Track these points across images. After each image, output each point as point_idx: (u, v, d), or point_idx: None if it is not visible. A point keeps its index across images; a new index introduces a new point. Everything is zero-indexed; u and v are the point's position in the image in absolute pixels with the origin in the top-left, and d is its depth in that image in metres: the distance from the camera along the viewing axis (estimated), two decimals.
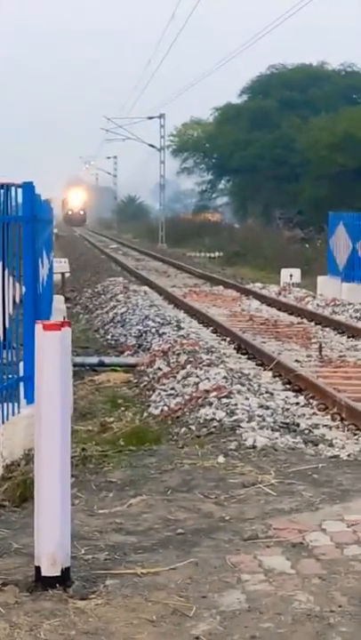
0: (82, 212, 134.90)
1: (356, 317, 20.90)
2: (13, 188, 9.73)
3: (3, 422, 8.87)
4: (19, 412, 9.14)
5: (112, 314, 22.09)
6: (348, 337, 18.22)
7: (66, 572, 5.42)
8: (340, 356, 16.10)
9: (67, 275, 27.70)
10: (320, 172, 55.35)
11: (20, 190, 9.87)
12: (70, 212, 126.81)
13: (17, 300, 9.61)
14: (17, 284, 9.60)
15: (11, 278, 9.37)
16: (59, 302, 18.26)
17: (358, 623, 4.96)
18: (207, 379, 12.18)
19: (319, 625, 4.95)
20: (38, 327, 5.80)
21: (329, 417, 10.93)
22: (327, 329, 19.37)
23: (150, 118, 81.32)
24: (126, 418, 10.64)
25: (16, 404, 9.24)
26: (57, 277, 22.50)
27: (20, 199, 9.88)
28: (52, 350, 5.63)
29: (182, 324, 19.10)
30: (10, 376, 9.44)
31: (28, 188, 10.04)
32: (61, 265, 25.33)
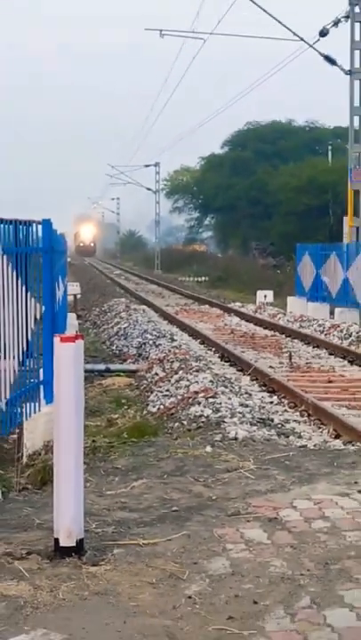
0: (92, 244, 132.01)
1: (319, 331, 20.91)
2: (34, 224, 9.78)
3: (26, 419, 8.89)
4: (39, 411, 9.16)
5: (116, 328, 22.10)
6: (313, 347, 18.25)
7: (80, 543, 5.48)
8: (307, 363, 16.11)
9: (78, 296, 27.69)
10: (288, 211, 55.50)
11: (39, 226, 9.92)
12: (82, 244, 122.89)
13: (37, 317, 9.65)
14: (37, 304, 9.65)
15: (32, 299, 9.40)
16: (72, 319, 18.29)
17: (323, 584, 5.00)
18: (196, 382, 12.19)
19: (291, 586, 4.99)
20: (56, 339, 5.85)
21: (298, 413, 10.95)
22: (296, 340, 19.37)
23: (147, 166, 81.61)
24: (129, 415, 10.66)
25: (37, 404, 9.28)
26: (70, 298, 22.51)
27: (39, 233, 9.91)
28: (67, 358, 5.68)
29: (175, 337, 19.12)
30: (32, 380, 9.48)
31: (46, 224, 10.11)
32: (74, 288, 25.28)
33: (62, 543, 5.44)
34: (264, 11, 26.64)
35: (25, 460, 8.37)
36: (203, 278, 54.88)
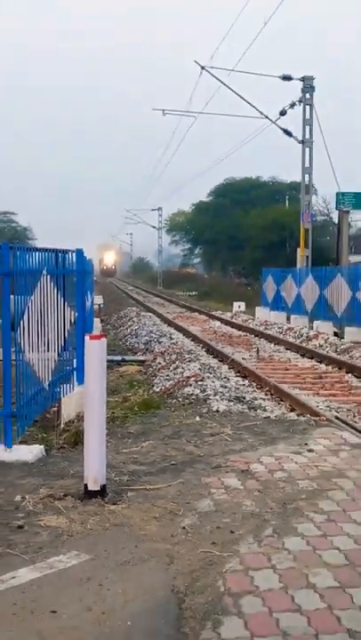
0: (113, 267, 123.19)
1: (279, 332, 20.85)
2: (70, 253, 9.82)
3: (63, 396, 8.90)
4: (73, 390, 9.19)
5: (129, 329, 22.11)
6: (275, 344, 18.22)
7: (103, 487, 5.51)
8: (270, 356, 16.10)
9: (102, 305, 27.70)
10: (256, 244, 55.67)
11: (74, 254, 9.96)
12: (105, 267, 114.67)
13: (72, 320, 9.68)
14: (72, 311, 9.68)
15: (68, 307, 9.43)
16: (97, 323, 18.26)
17: (282, 519, 5.02)
18: (188, 369, 12.19)
19: (258, 520, 5.02)
20: (87, 338, 5.89)
21: (263, 393, 10.93)
22: (262, 339, 19.36)
23: (153, 210, 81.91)
24: (139, 393, 10.67)
25: (71, 385, 9.30)
26: (96, 307, 22.50)
27: (74, 259, 9.94)
28: (95, 352, 5.70)
29: (173, 336, 19.10)
30: (67, 367, 9.50)
31: (79, 252, 10.16)
32: (98, 299, 25.24)
33: (90, 488, 5.47)
34: (241, 97, 26.66)
35: (62, 426, 8.39)
36: (193, 293, 54.94)
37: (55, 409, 8.82)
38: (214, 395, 10.06)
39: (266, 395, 10.89)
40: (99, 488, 5.46)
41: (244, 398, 10.26)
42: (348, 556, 4.34)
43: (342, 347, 16.90)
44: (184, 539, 4.65)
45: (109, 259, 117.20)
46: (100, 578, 4.07)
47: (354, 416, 9.12)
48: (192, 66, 26.48)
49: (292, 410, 9.59)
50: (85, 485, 5.49)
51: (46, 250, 8.89)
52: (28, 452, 6.66)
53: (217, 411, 9.09)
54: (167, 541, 4.61)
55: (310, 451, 6.93)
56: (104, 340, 5.98)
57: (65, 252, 9.73)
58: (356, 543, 4.55)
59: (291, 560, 4.30)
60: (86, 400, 5.74)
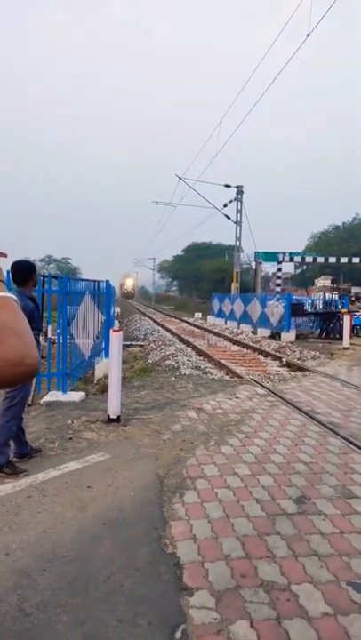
0: (133, 291, 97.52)
1: (220, 330, 20.71)
2: (102, 283, 9.78)
3: (96, 364, 8.84)
4: (101, 360, 9.12)
5: (135, 327, 21.96)
6: (217, 337, 18.19)
7: (118, 417, 5.47)
8: (215, 344, 16.06)
9: (118, 313, 27.57)
10: (209, 280, 55.27)
11: (103, 283, 9.91)
12: (126, 291, 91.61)
13: (102, 321, 9.62)
14: (102, 315, 9.62)
15: (100, 313, 9.37)
16: (116, 322, 18.14)
17: (220, 436, 5.01)
18: (168, 350, 12.17)
19: (206, 436, 5.01)
20: (111, 331, 5.85)
21: (211, 364, 10.92)
22: (210, 334, 19.36)
23: (149, 259, 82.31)
24: (140, 363, 10.62)
25: (101, 358, 9.23)
26: (115, 313, 22.37)
27: (104, 285, 9.90)
28: (116, 339, 5.67)
29: (160, 331, 19.02)
30: (99, 348, 9.44)
31: (107, 282, 10.13)
32: (116, 309, 25.10)
33: (111, 416, 5.44)
34: (201, 196, 26.80)
35: (95, 381, 8.33)
36: (172, 307, 54.79)
37: (91, 371, 8.78)
38: (183, 365, 10.05)
39: (213, 365, 10.90)
40: (116, 417, 5.44)
41: (201, 367, 10.25)
42: (257, 457, 4.36)
43: (256, 339, 16.96)
44: (164, 446, 4.64)
45: (129, 284, 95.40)
46: (116, 468, 4.06)
47: (262, 379, 9.18)
48: (173, 177, 26.48)
49: (228, 374, 9.60)
50: (108, 415, 5.47)
51: (88, 280, 8.86)
52: (76, 396, 6.63)
53: (184, 374, 9.07)
54: (154, 448, 4.60)
55: (237, 397, 6.94)
56: (121, 332, 5.98)
57: (99, 281, 9.70)
58: (261, 450, 4.57)
59: (224, 459, 4.31)
60: (110, 366, 5.71)
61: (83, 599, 2.34)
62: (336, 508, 3.35)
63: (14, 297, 1.08)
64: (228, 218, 27.22)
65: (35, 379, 6.79)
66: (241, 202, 27.06)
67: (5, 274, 1.15)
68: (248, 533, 2.97)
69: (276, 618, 2.20)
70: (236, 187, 26.91)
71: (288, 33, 12.53)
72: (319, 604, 2.29)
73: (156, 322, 25.52)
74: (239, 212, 27.12)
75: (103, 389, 7.57)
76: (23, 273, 4.08)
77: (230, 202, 27.19)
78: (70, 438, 4.85)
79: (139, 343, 15.26)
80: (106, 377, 8.35)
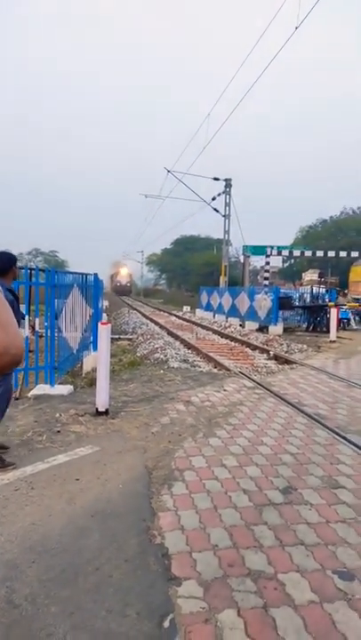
0: (128, 284, 77.15)
1: (208, 323, 20.72)
2: (90, 276, 9.70)
3: (84, 358, 8.80)
4: (89, 354, 9.08)
5: (123, 320, 21.84)
6: (206, 330, 18.20)
7: (107, 410, 5.46)
8: (203, 337, 16.07)
9: (107, 306, 27.43)
10: (197, 273, 55.25)
11: (92, 276, 9.84)
12: (119, 284, 72.38)
13: (90, 314, 9.57)
14: (90, 308, 9.56)
15: (88, 306, 9.31)
16: (104, 316, 18.06)
17: (208, 428, 5.03)
18: (157, 343, 12.16)
19: (195, 429, 5.03)
20: (100, 324, 5.83)
21: (199, 357, 10.94)
22: (199, 327, 19.36)
23: (138, 252, 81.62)
24: (128, 356, 10.58)
25: (89, 352, 9.18)
26: (104, 307, 22.28)
27: (91, 279, 9.83)
28: (104, 332, 5.66)
29: (149, 325, 18.98)
30: (87, 341, 9.39)
31: (95, 275, 10.02)
32: (104, 302, 25.00)
33: (99, 409, 5.43)
34: (190, 189, 26.64)
35: (83, 374, 8.29)
36: (160, 300, 54.55)
37: (79, 365, 8.73)
38: (171, 358, 10.05)
39: (201, 358, 10.92)
40: (104, 410, 5.43)
41: (189, 360, 10.26)
42: (245, 449, 4.40)
43: (244, 332, 17.02)
44: (153, 438, 4.65)
45: (124, 275, 72.00)
46: (105, 460, 4.06)
47: (249, 371, 9.21)
48: (162, 170, 26.34)
49: (216, 367, 9.62)
50: (97, 408, 5.45)
51: (76, 273, 8.79)
52: (64, 389, 6.60)
53: (173, 367, 9.07)
54: (143, 440, 4.60)
55: (225, 390, 6.96)
56: (109, 325, 5.94)
57: (87, 274, 9.62)
58: (249, 442, 4.61)
59: (212, 451, 4.34)
60: (98, 359, 5.69)
61: (71, 590, 2.35)
62: (322, 497, 3.39)
63: None
64: (217, 211, 27.19)
65: (18, 372, 6.75)
66: (230, 195, 27.04)
67: None
68: (236, 524, 3.00)
69: (264, 606, 2.23)
70: (225, 180, 26.87)
71: (279, 24, 12.47)
72: (305, 593, 2.33)
73: (144, 315, 25.47)
74: (228, 205, 27.10)
75: (91, 383, 7.54)
76: (2, 264, 4.06)
77: (219, 195, 27.15)
78: (58, 431, 4.83)
79: (127, 336, 15.21)
80: (94, 370, 8.32)
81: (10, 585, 2.39)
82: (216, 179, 26.70)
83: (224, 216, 27.31)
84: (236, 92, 16.83)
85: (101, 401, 5.45)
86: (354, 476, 3.79)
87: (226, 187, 26.94)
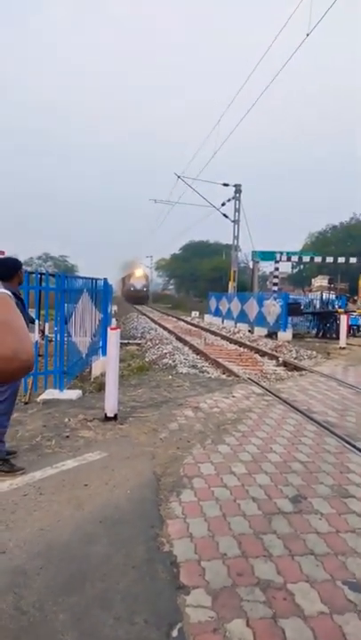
0: (145, 289, 58.96)
1: (217, 329, 20.68)
2: (100, 280, 9.75)
3: (93, 362, 8.83)
4: (98, 359, 9.11)
5: (132, 325, 21.90)
6: (215, 335, 18.19)
7: (115, 415, 5.46)
8: (212, 342, 16.04)
9: (116, 311, 27.48)
10: (206, 278, 55.27)
11: (101, 281, 9.89)
12: (132, 289, 56.33)
13: (99, 319, 9.60)
14: (99, 313, 9.59)
15: (98, 311, 9.35)
16: (113, 321, 18.09)
17: (217, 435, 5.01)
18: (165, 349, 12.17)
19: (203, 435, 5.01)
20: (109, 329, 5.85)
21: (208, 363, 10.91)
22: (207, 332, 19.34)
23: (147, 257, 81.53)
24: (136, 361, 10.60)
25: (98, 356, 9.21)
26: (113, 311, 22.33)
27: (100, 283, 9.87)
28: (113, 337, 5.67)
29: (157, 330, 18.99)
30: (96, 346, 9.42)
31: (105, 280, 10.08)
32: (113, 307, 25.08)
33: (108, 415, 5.42)
34: (199, 194, 26.72)
35: (92, 379, 8.31)
36: (169, 305, 54.52)
37: (88, 369, 8.76)
38: (180, 363, 10.03)
39: (210, 364, 10.89)
40: (113, 415, 5.43)
41: (197, 366, 10.25)
42: (253, 456, 4.37)
43: (252, 338, 16.97)
44: (161, 444, 4.64)
45: (139, 277, 57.46)
46: (113, 466, 4.06)
47: (258, 378, 9.17)
48: (172, 175, 26.43)
49: (224, 373, 9.59)
50: (105, 413, 5.45)
51: (86, 278, 8.84)
52: (73, 394, 6.62)
53: (181, 373, 9.06)
54: (151, 446, 4.60)
55: (233, 396, 6.93)
56: (119, 330, 5.97)
57: (97, 279, 9.67)
58: (258, 449, 4.58)
59: (221, 458, 4.32)
60: (108, 365, 5.69)
61: (79, 597, 2.35)
62: (332, 507, 3.36)
63: (9, 293, 1.07)
64: (226, 217, 27.21)
65: (27, 377, 6.78)
66: (239, 201, 27.05)
67: None
68: (244, 532, 2.98)
69: (273, 617, 2.21)
70: (235, 185, 26.90)
71: (290, 31, 12.49)
72: (315, 603, 2.30)
73: (153, 320, 25.49)
74: (237, 210, 27.12)
75: (100, 387, 7.56)
76: (7, 269, 4.10)
77: (228, 200, 27.18)
78: (67, 436, 4.84)
79: (136, 342, 15.23)
80: (103, 375, 8.34)
81: (18, 591, 2.39)
82: (226, 184, 26.75)
83: (233, 221, 27.33)
84: (250, 94, 16.88)
85: (110, 406, 5.45)
86: None
87: (235, 192, 26.97)
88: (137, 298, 51.38)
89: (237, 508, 3.30)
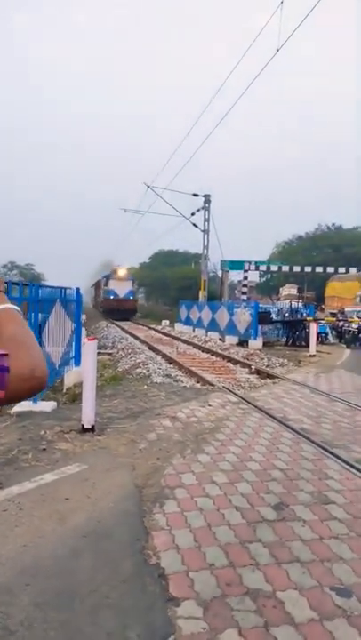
0: (132, 298, 36.93)
1: (188, 338, 20.72)
2: (71, 289, 9.65)
3: (65, 373, 8.69)
4: (71, 369, 8.98)
5: (102, 335, 21.62)
6: (187, 344, 18.23)
7: (93, 426, 5.40)
8: (184, 351, 16.06)
9: (84, 319, 27.08)
10: (175, 287, 55.23)
11: (73, 290, 9.79)
12: (113, 297, 34.34)
13: (72, 329, 9.48)
14: (71, 323, 9.47)
15: (69, 320, 9.23)
16: (83, 330, 17.90)
17: (196, 445, 5.02)
18: (138, 358, 12.12)
19: (182, 445, 5.01)
20: (87, 340, 5.79)
21: (182, 372, 10.94)
22: (179, 341, 19.34)
23: (116, 265, 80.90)
24: (109, 372, 10.52)
25: (70, 367, 9.06)
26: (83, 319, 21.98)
27: (73, 292, 9.77)
28: (91, 347, 5.62)
29: (128, 339, 18.86)
30: (68, 356, 9.28)
31: (77, 289, 9.97)
32: (84, 317, 24.78)
33: (85, 426, 5.36)
34: (169, 204, 26.89)
35: (65, 390, 8.20)
36: (139, 314, 54.48)
37: (60, 380, 8.63)
38: (154, 373, 10.01)
39: (184, 373, 10.92)
40: (90, 426, 5.37)
41: (171, 375, 10.25)
42: (234, 465, 4.41)
43: (224, 346, 17.10)
44: (141, 455, 4.62)
45: (123, 276, 37.56)
46: (94, 479, 4.01)
47: (232, 386, 9.24)
48: (142, 185, 26.47)
49: (199, 382, 9.64)
50: (82, 425, 5.38)
51: (59, 287, 8.74)
52: (47, 405, 6.51)
53: (156, 382, 9.04)
54: (131, 457, 4.57)
55: (210, 405, 6.95)
56: (96, 341, 5.93)
57: (68, 288, 9.57)
58: (237, 458, 4.61)
59: (202, 467, 4.33)
60: (84, 376, 5.62)
61: (69, 614, 2.31)
62: (314, 513, 3.42)
63: (17, 308, 1.06)
64: (196, 226, 27.46)
65: None
66: (208, 211, 27.36)
67: (4, 285, 1.12)
68: (230, 541, 3.00)
69: (264, 625, 2.23)
70: (204, 196, 27.19)
71: (258, 47, 12.80)
72: (305, 610, 2.34)
73: (123, 329, 25.35)
74: (207, 220, 27.40)
75: (74, 398, 7.47)
76: None
77: (198, 210, 27.45)
78: (44, 449, 4.75)
79: (107, 351, 15.10)
80: (76, 386, 8.24)
81: (4, 610, 2.33)
82: (195, 195, 27.02)
83: (203, 231, 27.58)
84: (222, 106, 17.16)
85: (87, 417, 5.39)
86: (343, 492, 3.84)
87: (205, 202, 27.26)
88: (121, 310, 34.69)
89: (222, 518, 3.32)
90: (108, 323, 30.62)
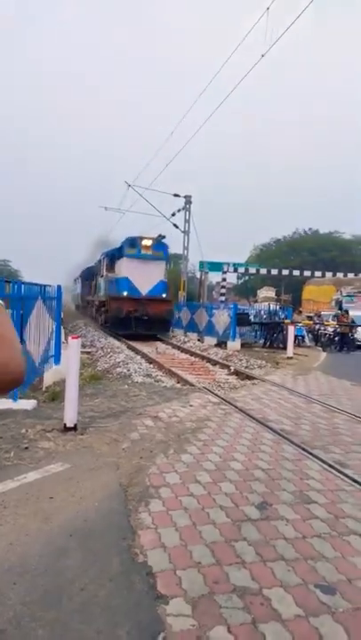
0: (164, 296, 17.62)
1: (168, 338, 20.83)
2: (53, 287, 9.56)
3: (45, 371, 8.61)
4: (51, 368, 8.90)
5: (80, 333, 21.37)
6: (166, 344, 18.12)
7: (75, 425, 5.38)
8: (164, 352, 16.10)
9: (61, 318, 26.65)
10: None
11: (54, 287, 9.70)
12: (129, 294, 17.02)
13: (52, 327, 9.40)
14: (52, 321, 9.39)
15: (50, 318, 9.15)
16: (62, 329, 17.71)
17: (179, 444, 5.05)
18: (118, 357, 12.10)
19: (165, 445, 5.02)
20: (71, 338, 5.74)
21: (162, 372, 10.97)
22: (158, 341, 19.33)
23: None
24: (88, 371, 10.45)
25: (50, 365, 8.98)
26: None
27: (53, 289, 9.68)
28: (75, 345, 5.59)
29: (107, 338, 18.75)
30: (47, 355, 9.19)
31: (59, 286, 9.88)
32: (63, 314, 24.43)
33: (68, 425, 5.34)
34: (150, 204, 26.87)
35: (44, 389, 8.13)
36: None
37: (38, 379, 8.55)
38: (135, 372, 10.01)
39: (164, 373, 10.94)
40: (73, 425, 5.35)
41: (152, 375, 10.26)
42: (217, 465, 4.44)
43: (203, 347, 17.18)
44: (124, 455, 4.62)
45: (154, 264, 18.37)
46: (78, 478, 4.00)
47: (212, 387, 9.29)
48: (123, 184, 26.37)
49: (179, 382, 9.68)
50: (65, 424, 5.36)
51: (40, 285, 8.66)
52: (28, 404, 6.45)
53: (137, 382, 9.05)
54: (114, 456, 4.57)
55: (191, 405, 7.00)
56: (80, 339, 5.90)
57: (48, 285, 9.48)
58: (220, 458, 4.66)
59: (185, 467, 4.36)
60: (68, 375, 5.58)
61: (57, 612, 2.30)
62: (296, 513, 3.48)
63: (2, 303, 1.05)
64: (177, 227, 27.48)
65: None
66: (189, 211, 27.41)
67: None
68: (216, 540, 3.03)
69: (252, 622, 2.26)
70: (185, 196, 27.24)
71: (245, 49, 12.93)
72: (291, 607, 2.38)
73: (103, 329, 25.14)
74: (187, 221, 27.46)
75: (53, 397, 7.41)
76: None
77: (179, 211, 27.47)
78: (26, 448, 4.71)
79: (86, 350, 14.98)
80: (55, 384, 8.17)
81: None
82: (176, 195, 27.04)
83: (183, 232, 27.64)
84: (205, 108, 17.23)
85: (70, 416, 5.36)
86: (323, 491, 3.92)
87: (186, 203, 27.31)
88: (145, 320, 19.24)
89: (207, 517, 3.35)
90: (86, 321, 30.24)
